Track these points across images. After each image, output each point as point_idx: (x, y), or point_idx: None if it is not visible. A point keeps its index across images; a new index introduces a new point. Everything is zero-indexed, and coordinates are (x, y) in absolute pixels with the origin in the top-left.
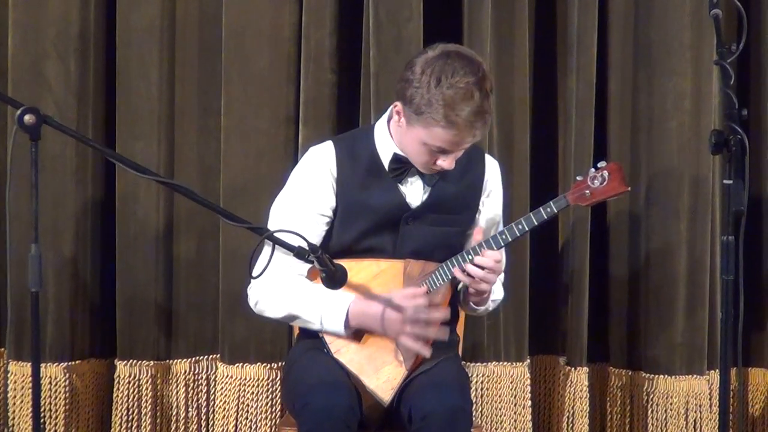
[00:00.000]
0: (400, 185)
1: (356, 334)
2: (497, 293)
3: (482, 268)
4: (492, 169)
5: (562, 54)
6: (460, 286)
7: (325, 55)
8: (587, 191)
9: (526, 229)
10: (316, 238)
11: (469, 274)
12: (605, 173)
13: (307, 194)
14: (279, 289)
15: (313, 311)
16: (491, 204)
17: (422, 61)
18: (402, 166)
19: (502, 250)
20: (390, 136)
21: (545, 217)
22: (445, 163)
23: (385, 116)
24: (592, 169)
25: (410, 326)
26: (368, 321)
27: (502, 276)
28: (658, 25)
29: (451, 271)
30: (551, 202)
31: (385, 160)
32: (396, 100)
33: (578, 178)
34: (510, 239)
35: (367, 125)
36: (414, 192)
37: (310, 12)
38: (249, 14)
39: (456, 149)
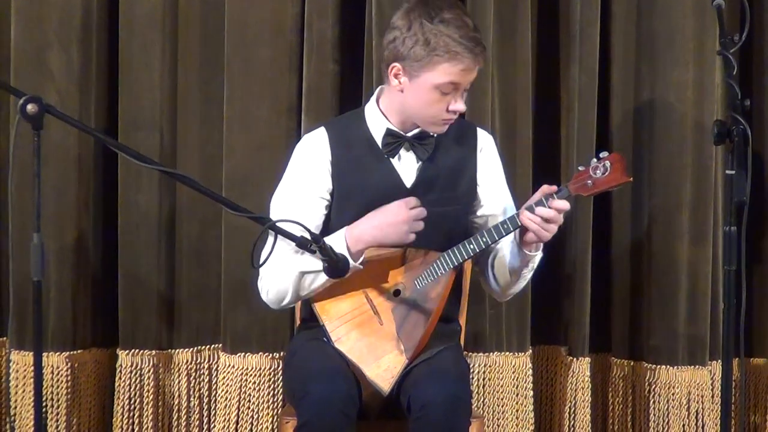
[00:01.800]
0: (393, 161)
1: (359, 323)
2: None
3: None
4: (485, 140)
5: (565, 44)
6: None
7: (328, 45)
8: (589, 181)
9: None
10: (317, 223)
11: (545, 219)
12: (607, 163)
13: (305, 180)
14: (281, 264)
15: (316, 260)
16: (490, 176)
17: (402, 15)
18: (395, 141)
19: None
20: (381, 114)
21: (546, 209)
22: (458, 104)
23: (373, 98)
24: (594, 159)
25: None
26: (368, 236)
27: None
28: (660, 15)
29: (453, 260)
30: (553, 193)
31: (378, 137)
32: (389, 65)
33: (580, 168)
34: (512, 229)
35: (356, 109)
36: (407, 168)
37: (313, 2)
38: (251, 4)
39: (464, 82)
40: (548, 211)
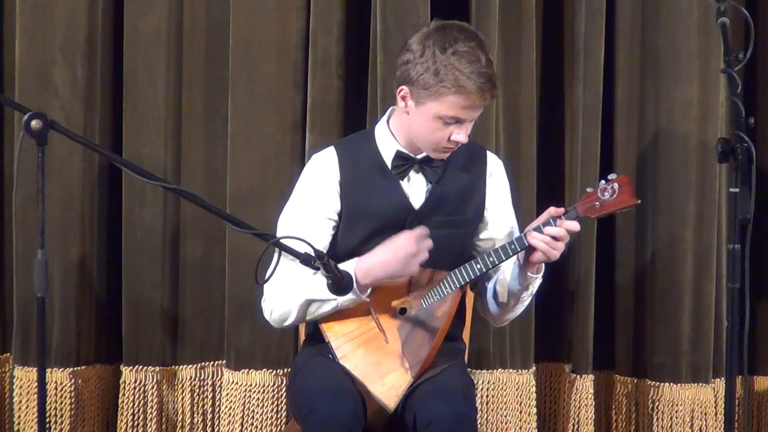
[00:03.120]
0: (402, 183)
1: (365, 341)
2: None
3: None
4: (495, 165)
5: (569, 61)
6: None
7: (332, 62)
8: (597, 203)
9: None
10: (324, 243)
11: (554, 237)
12: (615, 185)
13: (313, 199)
14: (287, 286)
15: (325, 289)
16: (498, 201)
17: (418, 39)
18: (405, 163)
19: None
20: (391, 135)
21: (555, 227)
22: (460, 135)
23: (384, 118)
24: (603, 181)
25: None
26: (377, 272)
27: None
28: (665, 32)
29: (459, 279)
30: (561, 215)
31: (388, 159)
32: (398, 86)
33: (588, 189)
34: (519, 250)
35: (366, 129)
36: (416, 190)
37: (318, 18)
38: (256, 20)
39: (469, 117)
40: (558, 230)
